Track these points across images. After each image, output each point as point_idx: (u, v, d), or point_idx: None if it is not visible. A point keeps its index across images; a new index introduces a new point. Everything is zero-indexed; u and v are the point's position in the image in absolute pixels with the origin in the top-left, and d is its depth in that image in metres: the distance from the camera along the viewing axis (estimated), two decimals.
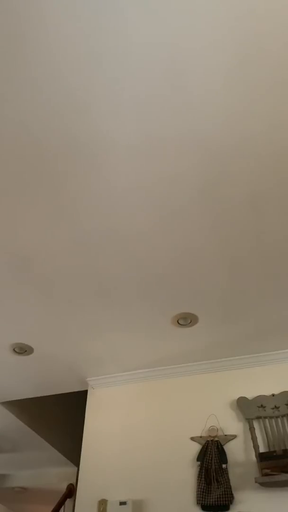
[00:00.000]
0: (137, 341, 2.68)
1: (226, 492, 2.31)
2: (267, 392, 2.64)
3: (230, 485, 2.33)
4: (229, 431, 2.58)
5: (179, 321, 2.49)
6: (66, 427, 4.34)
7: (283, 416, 2.49)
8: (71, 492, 4.24)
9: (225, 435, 2.56)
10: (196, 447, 2.58)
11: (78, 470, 3.82)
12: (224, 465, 2.42)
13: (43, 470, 4.88)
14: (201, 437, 2.60)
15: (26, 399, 3.58)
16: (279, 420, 2.49)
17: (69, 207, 1.78)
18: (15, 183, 1.68)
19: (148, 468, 2.61)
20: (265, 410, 2.54)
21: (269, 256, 2.03)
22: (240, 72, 1.33)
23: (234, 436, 2.55)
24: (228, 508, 2.29)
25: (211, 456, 2.47)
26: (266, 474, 2.22)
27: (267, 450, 2.42)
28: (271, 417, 2.51)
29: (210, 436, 2.57)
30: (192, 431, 2.65)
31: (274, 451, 2.29)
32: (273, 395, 2.60)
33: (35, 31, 1.24)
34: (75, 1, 1.18)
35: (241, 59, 1.30)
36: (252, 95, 1.39)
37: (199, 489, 2.37)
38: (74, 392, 3.41)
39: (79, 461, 2.84)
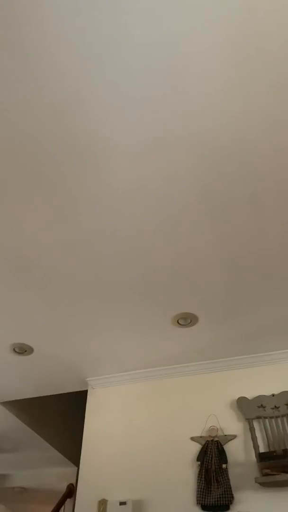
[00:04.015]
0: (137, 341, 2.68)
1: (226, 492, 2.31)
2: (267, 392, 2.64)
3: (230, 485, 2.34)
4: (229, 431, 2.58)
5: (179, 321, 2.49)
6: (66, 427, 4.34)
7: (283, 416, 2.49)
8: (71, 492, 4.24)
9: (225, 435, 2.56)
10: (196, 447, 2.58)
11: (78, 470, 3.82)
12: (224, 465, 2.42)
13: (43, 470, 4.88)
14: (201, 437, 2.60)
15: (26, 399, 3.58)
16: (279, 420, 2.49)
17: (69, 207, 1.78)
18: (15, 184, 1.68)
19: (148, 468, 2.61)
20: (265, 410, 2.54)
21: (269, 256, 2.03)
22: (240, 72, 1.33)
23: (234, 436, 2.55)
24: (228, 508, 2.29)
25: (211, 456, 2.47)
26: (266, 474, 2.22)
27: (267, 450, 2.42)
28: (271, 417, 2.51)
29: (210, 436, 2.57)
30: (192, 431, 2.65)
31: (274, 451, 2.29)
32: (273, 395, 2.60)
33: (35, 32, 1.24)
34: (75, 2, 1.18)
35: (241, 60, 1.30)
36: (252, 95, 1.39)
37: (199, 489, 2.37)
38: (74, 392, 3.41)
39: (79, 461, 2.84)
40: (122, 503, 2.41)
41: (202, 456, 2.49)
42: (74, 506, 2.80)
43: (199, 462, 2.49)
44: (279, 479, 2.17)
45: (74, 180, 1.67)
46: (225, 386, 2.77)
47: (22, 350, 2.77)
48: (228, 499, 2.29)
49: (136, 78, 1.34)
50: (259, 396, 2.61)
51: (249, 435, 2.51)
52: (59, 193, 1.72)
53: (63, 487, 4.66)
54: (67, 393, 3.42)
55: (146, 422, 2.81)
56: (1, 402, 3.51)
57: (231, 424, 2.60)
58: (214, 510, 2.31)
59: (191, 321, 2.49)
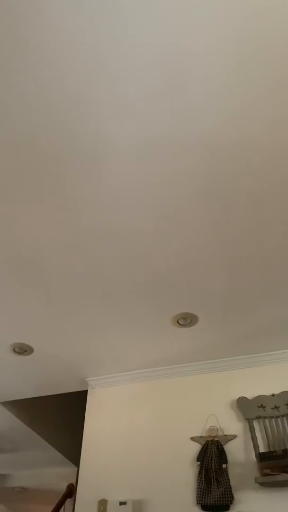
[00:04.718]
0: (137, 341, 2.68)
1: (226, 492, 2.31)
2: (267, 392, 2.64)
3: (230, 485, 2.33)
4: (229, 431, 2.58)
5: (179, 321, 2.49)
6: (66, 427, 4.34)
7: (283, 416, 2.49)
8: (71, 492, 4.24)
9: (225, 435, 2.56)
10: (196, 447, 2.58)
11: (78, 470, 3.82)
12: (224, 465, 2.42)
13: (43, 470, 4.88)
14: (201, 437, 2.60)
15: (26, 399, 3.59)
16: (279, 420, 2.49)
17: (69, 207, 1.78)
18: (15, 184, 1.68)
19: (148, 468, 2.61)
20: (265, 410, 2.54)
21: (269, 256, 2.03)
22: (240, 72, 1.33)
23: (234, 436, 2.55)
24: (228, 508, 2.29)
25: (211, 456, 2.47)
26: (266, 474, 2.22)
27: (267, 450, 2.42)
28: (271, 417, 2.51)
29: (210, 436, 2.57)
30: (192, 431, 2.65)
31: (274, 451, 2.29)
32: (273, 395, 2.60)
33: (36, 31, 1.24)
34: (76, 2, 1.18)
35: (241, 59, 1.30)
36: (252, 95, 1.39)
37: (199, 489, 2.37)
38: (74, 392, 3.41)
39: (79, 461, 2.84)
40: (122, 503, 2.41)
41: (202, 456, 2.49)
42: (74, 506, 2.80)
43: (199, 462, 2.49)
44: (279, 479, 2.17)
45: (74, 180, 1.67)
46: (225, 386, 2.77)
47: (22, 350, 2.77)
48: (228, 499, 2.29)
49: (136, 78, 1.34)
50: (259, 396, 2.61)
51: (249, 435, 2.51)
52: (60, 193, 1.72)
53: (63, 487, 4.66)
54: (67, 393, 3.42)
55: (146, 422, 2.81)
56: (1, 402, 3.51)
57: (231, 424, 2.60)
58: (214, 510, 2.30)
59: (191, 321, 2.49)
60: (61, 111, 1.43)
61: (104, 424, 2.91)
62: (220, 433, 2.59)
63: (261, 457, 2.32)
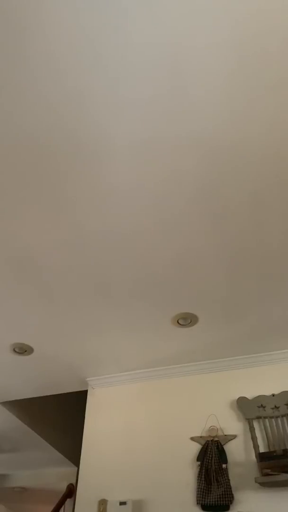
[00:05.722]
0: (137, 341, 2.68)
1: (226, 492, 2.31)
2: (267, 392, 2.64)
3: (230, 485, 2.33)
4: (229, 431, 2.58)
5: (179, 321, 2.49)
6: (66, 427, 4.34)
7: (283, 416, 2.49)
8: (71, 492, 4.24)
9: (225, 435, 2.56)
10: (196, 447, 2.58)
11: (78, 470, 3.82)
12: (224, 465, 2.42)
13: (43, 470, 4.88)
14: (201, 437, 2.60)
15: (26, 399, 3.59)
16: (279, 420, 2.49)
17: (69, 207, 1.78)
18: (16, 184, 1.68)
19: (148, 468, 2.61)
20: (265, 410, 2.54)
21: (269, 256, 2.03)
22: (240, 73, 1.33)
23: (234, 436, 2.55)
24: (228, 508, 2.29)
25: (211, 456, 2.47)
26: (266, 474, 2.22)
27: (267, 450, 2.42)
28: (271, 417, 2.51)
29: (210, 436, 2.57)
30: (192, 431, 2.65)
31: (274, 451, 2.29)
32: (273, 395, 2.60)
33: (35, 31, 1.24)
34: (76, 2, 1.18)
35: (241, 60, 1.30)
36: (252, 95, 1.39)
37: (199, 489, 2.37)
38: (74, 392, 3.41)
39: (79, 461, 2.84)
40: (122, 503, 2.41)
41: (202, 456, 2.49)
42: (74, 506, 2.80)
43: (199, 462, 2.48)
44: (279, 479, 2.17)
45: (74, 180, 1.67)
46: (225, 386, 2.77)
47: (22, 350, 2.77)
48: (228, 499, 2.29)
49: (136, 78, 1.34)
50: (259, 396, 2.61)
51: (249, 435, 2.51)
52: (59, 193, 1.72)
53: (63, 487, 4.66)
54: (67, 393, 3.42)
55: (146, 422, 2.81)
56: (1, 402, 3.51)
57: (231, 424, 2.60)
58: (214, 510, 2.30)
59: (191, 321, 2.49)
60: (61, 111, 1.43)
61: (104, 424, 2.91)
62: (220, 433, 2.59)
63: (261, 457, 2.32)
